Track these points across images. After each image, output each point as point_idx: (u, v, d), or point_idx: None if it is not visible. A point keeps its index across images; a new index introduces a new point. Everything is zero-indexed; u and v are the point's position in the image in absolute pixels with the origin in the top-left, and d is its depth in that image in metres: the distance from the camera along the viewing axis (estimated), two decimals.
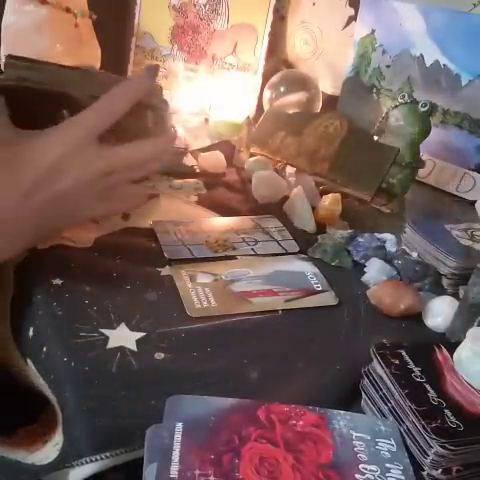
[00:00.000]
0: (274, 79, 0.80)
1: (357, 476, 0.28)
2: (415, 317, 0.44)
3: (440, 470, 0.29)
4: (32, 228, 0.34)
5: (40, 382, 0.36)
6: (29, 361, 0.38)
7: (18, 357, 0.39)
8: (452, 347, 0.36)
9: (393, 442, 0.30)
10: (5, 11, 0.63)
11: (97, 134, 0.34)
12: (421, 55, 0.74)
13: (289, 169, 0.66)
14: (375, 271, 0.48)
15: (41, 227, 0.35)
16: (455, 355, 0.36)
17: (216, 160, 0.67)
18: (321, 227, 0.56)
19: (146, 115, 0.40)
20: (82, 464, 0.30)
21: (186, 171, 0.64)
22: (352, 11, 0.81)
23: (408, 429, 0.31)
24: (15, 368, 0.39)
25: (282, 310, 0.43)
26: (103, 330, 0.37)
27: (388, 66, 0.77)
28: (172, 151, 0.40)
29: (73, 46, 0.65)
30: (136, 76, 0.38)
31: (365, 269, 0.49)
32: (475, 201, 0.66)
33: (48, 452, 0.32)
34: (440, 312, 0.43)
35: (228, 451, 0.28)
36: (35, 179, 0.33)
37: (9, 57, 0.40)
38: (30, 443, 0.34)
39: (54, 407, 0.33)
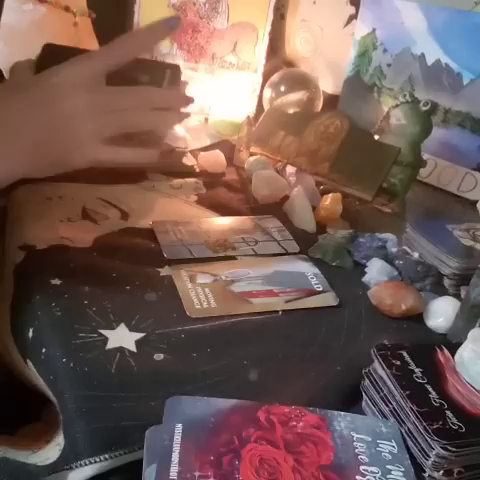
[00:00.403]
0: (274, 78, 0.80)
1: (358, 478, 0.28)
2: (416, 318, 0.44)
3: (441, 472, 0.29)
4: (30, 143, 0.34)
5: (40, 383, 0.36)
6: (29, 362, 0.37)
7: (19, 358, 0.39)
8: (453, 348, 0.36)
9: (394, 443, 0.30)
10: (4, 10, 0.63)
11: (106, 70, 0.35)
12: (422, 54, 0.73)
13: (289, 169, 0.66)
14: (376, 271, 0.48)
15: (39, 146, 0.34)
16: (456, 356, 0.35)
17: (216, 160, 0.66)
18: (321, 227, 0.56)
19: (164, 73, 0.39)
20: (81, 466, 0.30)
21: (186, 171, 0.64)
22: (353, 10, 0.81)
23: (409, 430, 0.31)
24: (17, 368, 0.39)
25: (282, 310, 0.42)
26: (102, 331, 0.37)
27: (389, 65, 0.77)
28: (182, 106, 0.38)
29: (72, 45, 0.65)
30: (156, 22, 0.36)
31: (366, 269, 0.49)
32: (477, 201, 0.66)
33: (50, 452, 0.32)
34: (441, 313, 0.43)
35: (228, 452, 0.27)
36: (37, 93, 0.34)
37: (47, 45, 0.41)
38: (33, 441, 0.34)
39: (56, 406, 0.33)
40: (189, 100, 0.39)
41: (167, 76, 0.39)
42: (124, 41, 0.36)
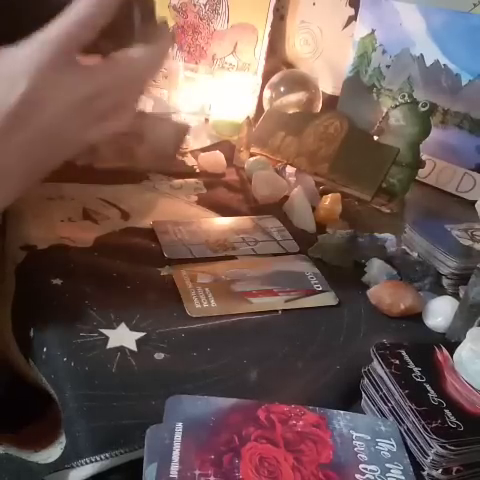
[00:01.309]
0: (274, 79, 0.80)
1: (357, 476, 0.28)
2: (415, 317, 0.44)
3: (440, 470, 0.29)
4: (21, 173, 0.29)
5: (43, 381, 0.36)
6: (31, 361, 0.38)
7: (21, 357, 0.39)
8: (452, 347, 0.36)
9: (393, 442, 0.30)
10: None
11: (75, 51, 0.26)
12: (421, 55, 0.74)
13: (289, 169, 0.66)
14: (375, 271, 0.48)
15: (32, 169, 0.29)
16: (455, 355, 0.36)
17: (216, 160, 0.67)
18: (321, 227, 0.56)
19: (132, 11, 0.30)
20: (82, 465, 0.30)
21: (186, 171, 0.64)
22: (352, 11, 0.81)
23: (408, 429, 0.31)
24: (20, 367, 0.39)
25: (282, 310, 0.43)
26: (103, 330, 0.37)
27: (388, 66, 0.77)
28: (168, 55, 0.30)
29: None
30: None
31: (365, 269, 0.49)
32: (475, 201, 0.66)
33: (52, 451, 0.32)
34: (440, 312, 0.43)
35: (228, 451, 0.28)
36: (7, 118, 0.26)
37: None
38: (37, 441, 0.34)
39: (59, 405, 0.33)
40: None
41: (136, 15, 0.30)
42: (90, 2, 0.26)
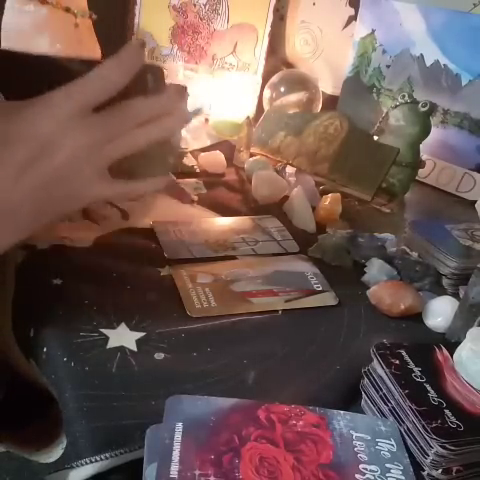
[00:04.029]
0: (274, 79, 0.81)
1: (357, 476, 0.28)
2: (415, 317, 0.44)
3: (440, 470, 0.29)
4: (29, 214, 0.31)
5: (44, 381, 0.36)
6: (32, 361, 0.38)
7: (21, 357, 0.39)
8: (452, 347, 0.36)
9: (393, 442, 0.30)
10: (5, 11, 0.63)
11: (91, 107, 0.30)
12: (421, 55, 0.74)
13: (289, 169, 0.66)
14: (375, 271, 0.48)
15: (40, 212, 0.31)
16: (455, 355, 0.36)
17: (216, 160, 0.67)
18: (321, 227, 0.56)
19: (145, 78, 0.34)
20: (82, 465, 0.30)
21: (187, 171, 0.64)
22: (352, 11, 0.81)
23: (408, 429, 0.31)
24: (20, 367, 0.39)
25: (282, 310, 0.43)
26: (103, 330, 0.37)
27: (388, 66, 0.77)
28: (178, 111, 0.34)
29: (73, 46, 0.65)
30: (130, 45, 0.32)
31: (365, 269, 0.49)
32: (475, 201, 0.66)
33: (54, 451, 0.32)
34: (440, 312, 0.43)
35: (228, 451, 0.28)
36: (25, 157, 0.29)
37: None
38: (38, 440, 0.34)
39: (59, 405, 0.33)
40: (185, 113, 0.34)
41: (149, 81, 0.35)
42: (110, 68, 0.31)
